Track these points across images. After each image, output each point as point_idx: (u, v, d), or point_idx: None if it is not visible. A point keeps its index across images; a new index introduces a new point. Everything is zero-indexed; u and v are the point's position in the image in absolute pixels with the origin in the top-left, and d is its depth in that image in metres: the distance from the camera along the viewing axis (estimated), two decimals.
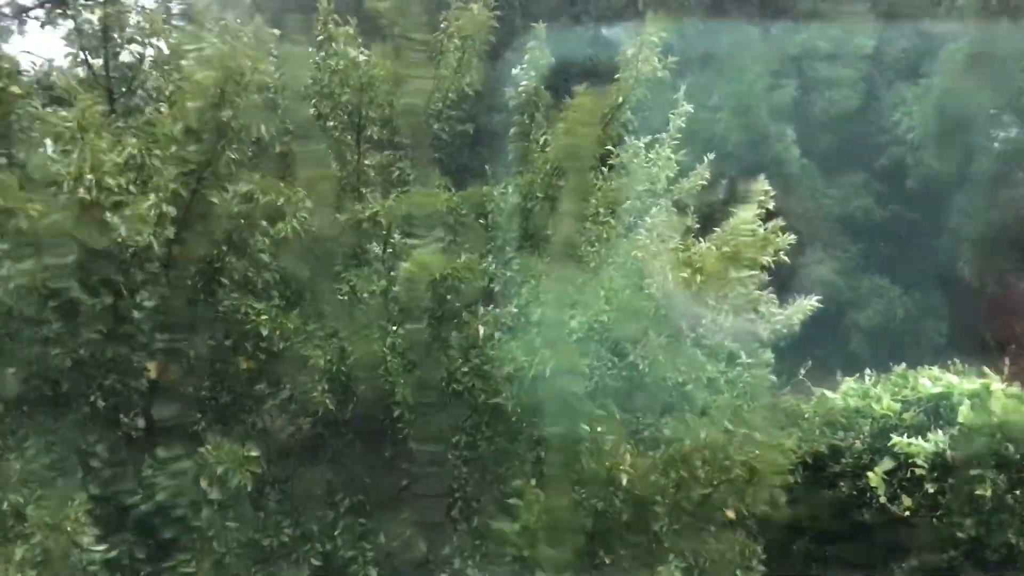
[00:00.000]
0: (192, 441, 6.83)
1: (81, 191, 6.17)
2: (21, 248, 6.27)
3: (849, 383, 9.20)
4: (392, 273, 7.24)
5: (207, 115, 6.34)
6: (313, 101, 7.83)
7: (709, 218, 8.38)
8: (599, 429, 6.87)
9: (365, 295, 7.16)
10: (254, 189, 6.72)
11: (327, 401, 6.76)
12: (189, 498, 6.40)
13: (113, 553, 5.99)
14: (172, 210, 6.39)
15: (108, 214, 6.28)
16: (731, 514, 7.09)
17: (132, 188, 6.43)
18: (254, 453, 6.36)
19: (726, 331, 8.33)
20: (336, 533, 7.05)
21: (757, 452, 6.98)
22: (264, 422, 7.40)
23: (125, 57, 7.94)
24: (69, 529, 5.63)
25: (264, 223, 6.82)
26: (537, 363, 6.66)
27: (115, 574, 6.03)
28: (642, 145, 8.23)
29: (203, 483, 6.21)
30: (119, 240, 6.35)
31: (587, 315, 7.18)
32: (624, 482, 6.62)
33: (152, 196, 6.35)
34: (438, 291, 6.87)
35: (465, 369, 6.92)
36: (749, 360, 8.37)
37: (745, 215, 7.89)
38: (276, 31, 7.76)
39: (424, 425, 7.03)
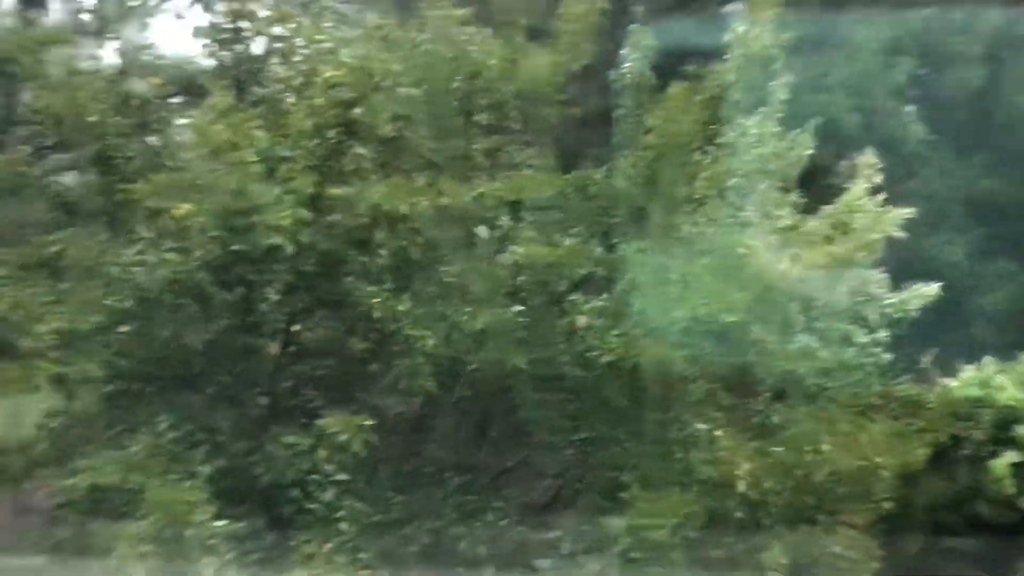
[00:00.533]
0: (311, 419, 7.13)
1: (227, 198, 6.45)
2: (166, 240, 6.63)
3: (969, 371, 8.89)
4: (499, 257, 7.34)
5: (334, 112, 6.54)
6: (423, 86, 7.97)
7: (819, 196, 8.19)
8: (709, 425, 6.79)
9: (472, 279, 7.27)
10: (379, 193, 6.88)
11: (429, 384, 6.88)
12: (311, 476, 6.63)
13: (235, 526, 6.23)
14: (307, 215, 6.62)
15: (249, 219, 6.54)
16: (855, 518, 6.92)
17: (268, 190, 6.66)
18: (368, 422, 6.55)
19: (838, 313, 8.15)
20: (445, 511, 7.21)
21: (874, 443, 6.83)
22: (377, 401, 7.61)
23: (254, 48, 8.22)
24: (184, 510, 5.89)
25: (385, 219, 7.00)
26: (638, 354, 6.64)
27: (237, 547, 6.27)
28: (750, 124, 8.09)
29: (322, 453, 6.42)
30: (255, 243, 6.61)
31: (692, 301, 7.13)
32: (740, 488, 6.52)
33: (288, 199, 6.59)
34: (542, 276, 6.94)
35: (567, 357, 6.96)
36: (864, 341, 8.16)
37: (856, 191, 7.68)
38: (382, 16, 7.92)
39: (528, 407, 7.12)
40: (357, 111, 6.65)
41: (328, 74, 6.68)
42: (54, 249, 6.95)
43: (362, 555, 6.60)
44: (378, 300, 7.04)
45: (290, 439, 6.73)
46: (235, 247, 6.62)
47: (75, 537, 6.52)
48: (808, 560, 6.78)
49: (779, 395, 7.70)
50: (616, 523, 6.48)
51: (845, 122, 14.98)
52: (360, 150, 6.80)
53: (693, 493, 6.56)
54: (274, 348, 7.26)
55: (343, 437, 6.54)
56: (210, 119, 6.79)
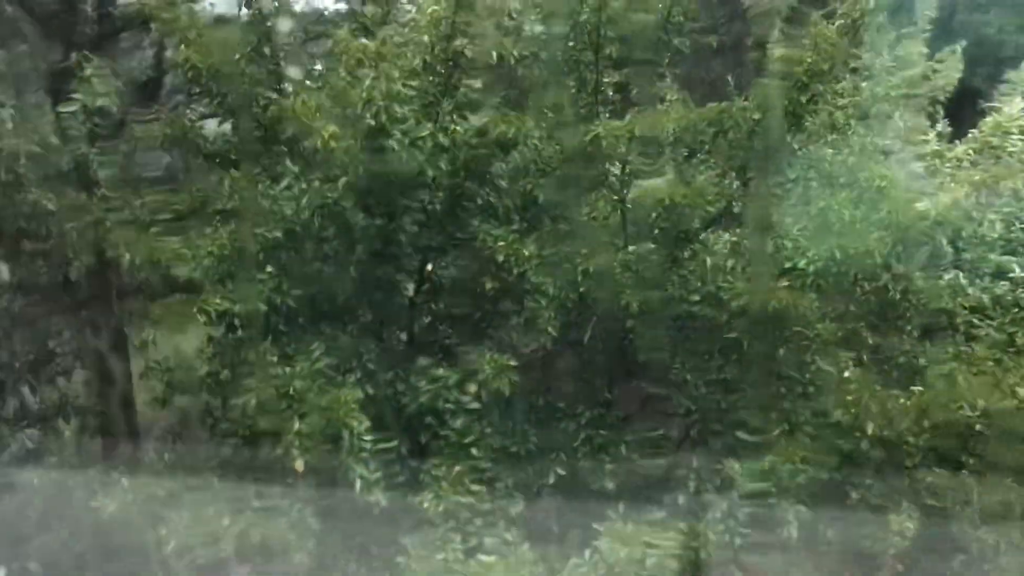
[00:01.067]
0: (446, 354, 7.36)
1: (369, 117, 6.57)
2: (312, 169, 6.84)
3: None
4: (627, 194, 7.26)
5: (440, 47, 6.58)
6: (550, 21, 7.88)
7: (968, 120, 7.71)
8: (846, 367, 6.61)
9: (600, 218, 7.24)
10: (488, 123, 6.92)
11: (551, 328, 6.94)
12: (448, 405, 6.86)
13: (384, 445, 6.51)
14: (446, 140, 6.70)
15: (391, 141, 6.68)
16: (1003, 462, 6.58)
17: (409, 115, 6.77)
18: (512, 362, 6.70)
19: (991, 244, 7.73)
20: (576, 444, 7.32)
21: None
22: (510, 338, 7.75)
23: None
24: (341, 413, 6.22)
25: (500, 151, 7.02)
26: (773, 295, 6.48)
27: (383, 464, 6.56)
28: (895, 45, 7.65)
29: (470, 389, 6.64)
30: (397, 166, 6.75)
31: (831, 236, 6.89)
32: (871, 430, 6.34)
33: (429, 125, 6.68)
34: (671, 214, 6.83)
35: (696, 297, 6.87)
36: (1020, 275, 7.73)
37: (1008, 110, 7.19)
38: None
39: (659, 348, 7.10)
40: (460, 42, 6.63)
41: (429, 8, 6.69)
42: (208, 193, 7.32)
43: (497, 484, 6.81)
44: (503, 243, 7.10)
45: (437, 372, 6.96)
46: (377, 168, 6.74)
47: (237, 455, 7.00)
48: (950, 504, 6.56)
49: (925, 334, 7.41)
50: (745, 463, 6.43)
51: (999, 41, 13.92)
52: (477, 83, 6.81)
53: (826, 435, 6.43)
54: (411, 285, 7.47)
55: (488, 374, 6.71)
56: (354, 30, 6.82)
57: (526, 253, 7.07)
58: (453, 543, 6.30)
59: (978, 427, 6.33)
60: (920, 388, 6.62)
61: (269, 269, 6.87)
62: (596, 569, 6.15)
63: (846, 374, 6.59)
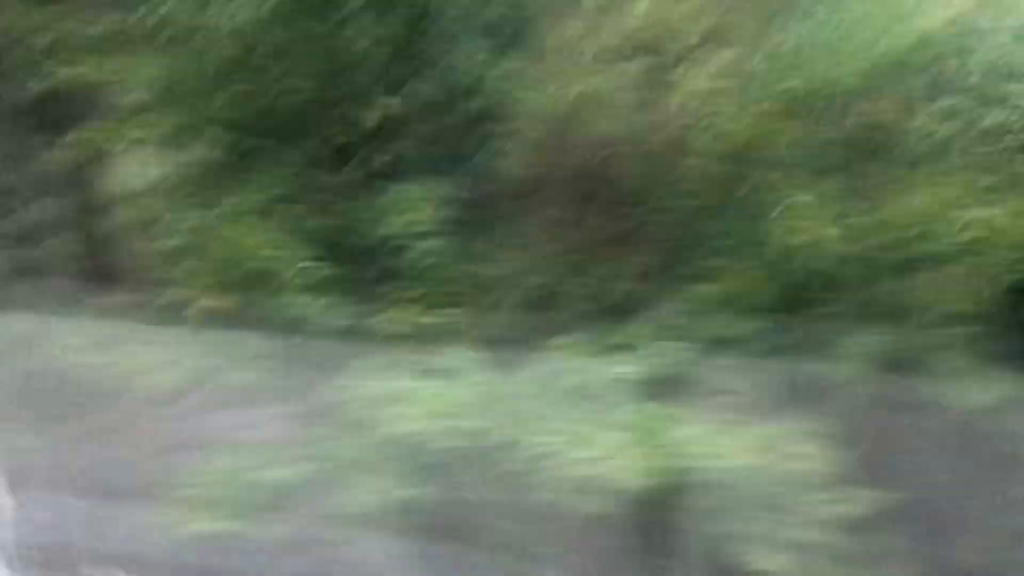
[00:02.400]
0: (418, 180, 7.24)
1: None
2: None
3: None
4: None
5: None
6: None
7: None
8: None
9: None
10: None
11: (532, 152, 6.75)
12: (406, 230, 6.82)
13: (333, 272, 6.53)
14: None
15: None
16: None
17: None
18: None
19: (1000, 68, 7.22)
20: (553, 268, 7.28)
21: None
22: (489, 163, 7.61)
23: None
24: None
25: None
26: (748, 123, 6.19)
27: (335, 290, 6.62)
28: None
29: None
30: None
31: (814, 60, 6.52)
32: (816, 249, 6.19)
33: None
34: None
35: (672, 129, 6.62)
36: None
37: None
38: None
39: (635, 175, 6.94)
40: None
41: None
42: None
43: (459, 304, 6.82)
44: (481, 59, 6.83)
45: (396, 196, 6.89)
46: None
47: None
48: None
49: (915, 162, 7.07)
50: (701, 289, 6.36)
51: None
52: None
53: (776, 260, 6.34)
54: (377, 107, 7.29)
55: (439, 198, 6.64)
56: None
57: (503, 70, 6.81)
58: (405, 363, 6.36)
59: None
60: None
61: (223, 87, 6.74)
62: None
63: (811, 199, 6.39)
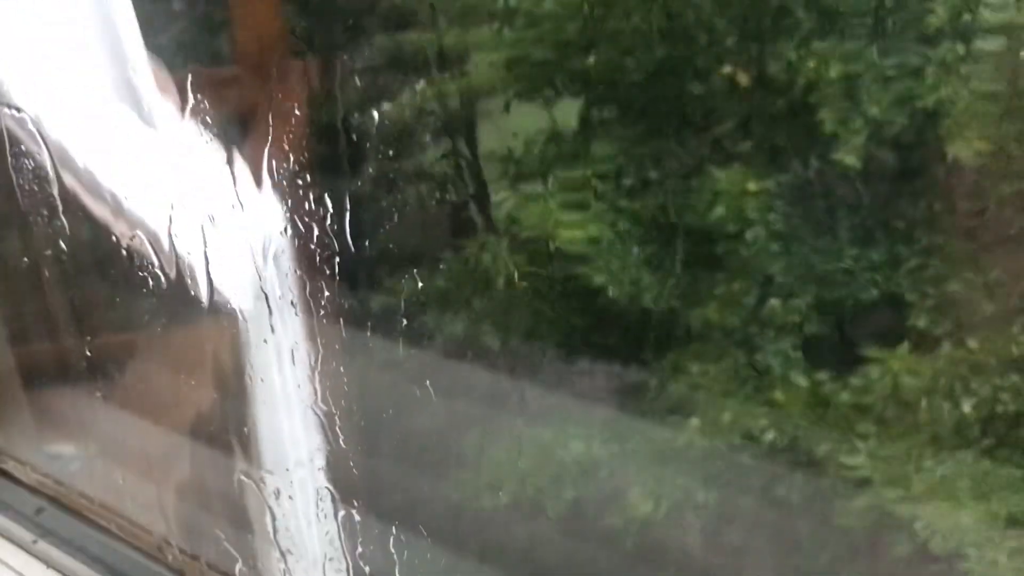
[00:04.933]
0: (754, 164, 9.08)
1: None
2: None
3: None
4: None
5: None
6: None
7: None
8: None
9: None
10: None
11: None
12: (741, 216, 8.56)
13: (651, 255, 8.62)
14: None
15: None
16: None
17: None
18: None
19: None
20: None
21: None
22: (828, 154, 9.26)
23: None
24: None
25: None
26: None
27: (656, 273, 8.99)
28: None
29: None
30: None
31: None
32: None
33: None
34: None
35: None
36: None
37: None
38: None
39: None
40: None
41: None
42: None
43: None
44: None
45: (729, 178, 8.80)
46: None
47: None
48: None
49: None
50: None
51: None
52: None
53: None
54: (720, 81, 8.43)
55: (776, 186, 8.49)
56: None
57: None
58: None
59: None
60: None
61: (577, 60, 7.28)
62: None
63: None
